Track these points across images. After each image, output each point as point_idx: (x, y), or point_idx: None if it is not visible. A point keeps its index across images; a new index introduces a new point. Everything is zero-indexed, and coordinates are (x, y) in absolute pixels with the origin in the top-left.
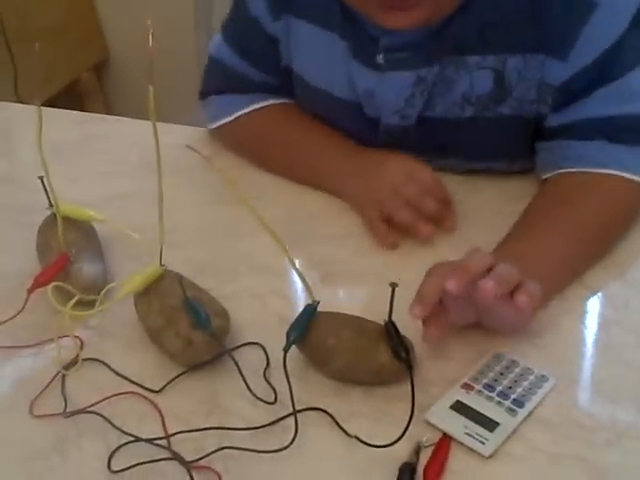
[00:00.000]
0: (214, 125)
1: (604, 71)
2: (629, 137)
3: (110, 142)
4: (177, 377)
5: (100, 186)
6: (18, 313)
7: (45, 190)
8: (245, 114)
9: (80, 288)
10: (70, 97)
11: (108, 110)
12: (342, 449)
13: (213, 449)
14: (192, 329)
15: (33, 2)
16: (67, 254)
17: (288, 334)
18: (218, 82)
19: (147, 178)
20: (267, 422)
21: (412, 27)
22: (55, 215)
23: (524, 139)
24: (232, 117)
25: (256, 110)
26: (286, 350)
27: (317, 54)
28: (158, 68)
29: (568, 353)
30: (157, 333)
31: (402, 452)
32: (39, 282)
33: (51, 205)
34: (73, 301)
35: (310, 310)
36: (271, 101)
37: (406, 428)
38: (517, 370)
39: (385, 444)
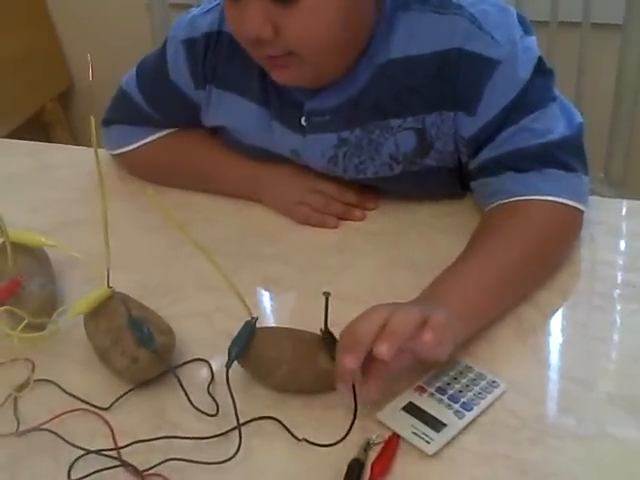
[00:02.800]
0: (117, 152)
1: (508, 118)
2: (531, 165)
3: (64, 170)
4: (125, 394)
5: (56, 213)
6: None
7: None
8: (151, 141)
9: (31, 312)
10: (35, 127)
11: (74, 139)
12: (284, 458)
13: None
14: (137, 347)
15: None
16: (18, 279)
17: (229, 351)
18: (124, 114)
19: (100, 204)
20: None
21: (294, 83)
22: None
23: (452, 182)
24: (137, 145)
25: (160, 137)
26: (228, 366)
27: (242, 121)
28: None
29: (510, 360)
30: (105, 352)
31: (342, 457)
32: None
33: (2, 232)
34: (22, 324)
35: (249, 326)
36: (175, 129)
37: (350, 426)
38: (470, 375)
39: (329, 443)
